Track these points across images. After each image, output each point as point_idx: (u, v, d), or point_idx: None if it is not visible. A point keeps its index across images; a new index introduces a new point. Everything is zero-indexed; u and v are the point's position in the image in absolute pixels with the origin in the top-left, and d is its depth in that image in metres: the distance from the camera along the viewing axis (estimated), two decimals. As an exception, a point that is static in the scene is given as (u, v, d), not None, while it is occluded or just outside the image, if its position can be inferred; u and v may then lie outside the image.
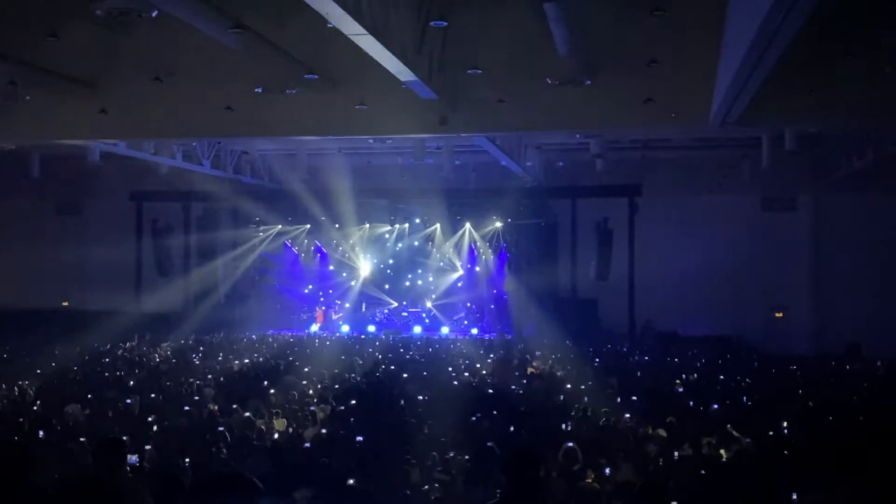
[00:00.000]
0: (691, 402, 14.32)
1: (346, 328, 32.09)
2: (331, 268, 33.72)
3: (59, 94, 18.72)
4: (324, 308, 33.15)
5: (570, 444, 9.74)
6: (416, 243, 32.66)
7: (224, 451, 10.45)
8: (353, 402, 13.86)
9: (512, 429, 11.68)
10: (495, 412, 12.63)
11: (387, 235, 32.67)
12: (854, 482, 8.53)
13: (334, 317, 32.99)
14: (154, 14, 12.87)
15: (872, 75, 15.35)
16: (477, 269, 32.47)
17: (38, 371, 18.23)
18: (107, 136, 21.30)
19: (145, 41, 17.57)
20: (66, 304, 31.68)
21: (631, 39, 16.46)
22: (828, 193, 29.79)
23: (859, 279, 29.19)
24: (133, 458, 7.71)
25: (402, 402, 13.84)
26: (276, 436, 11.59)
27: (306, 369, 18.68)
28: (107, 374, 18.26)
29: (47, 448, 9.98)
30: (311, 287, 33.50)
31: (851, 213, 29.52)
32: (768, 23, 10.19)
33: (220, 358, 21.96)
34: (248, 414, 12.78)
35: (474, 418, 12.10)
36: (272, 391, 15.03)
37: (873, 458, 9.59)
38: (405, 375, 17.85)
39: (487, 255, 32.14)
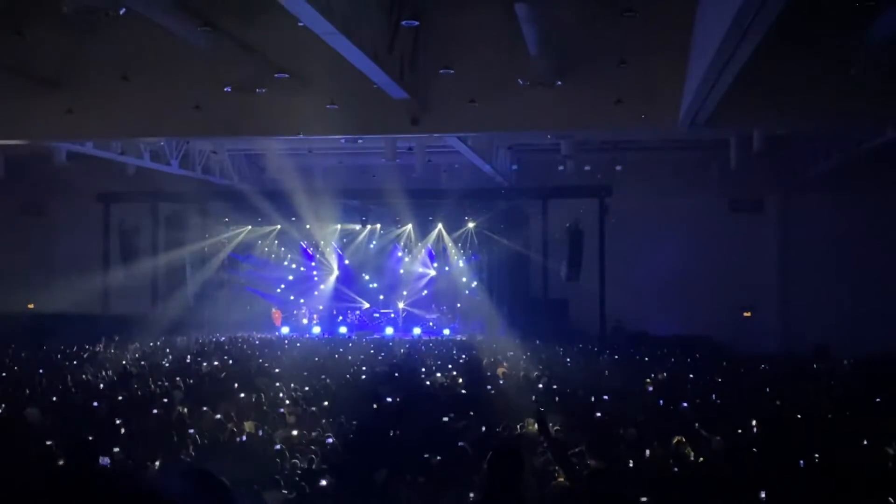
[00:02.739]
0: (661, 401, 14.41)
1: (317, 329, 31.95)
2: (301, 269, 33.56)
3: (25, 93, 18.42)
4: (279, 309, 32.92)
5: (542, 444, 9.74)
6: (388, 244, 32.60)
7: (193, 453, 10.34)
8: (325, 403, 13.79)
9: (484, 429, 11.67)
10: (468, 413, 12.62)
11: (358, 236, 32.58)
12: (821, 478, 8.63)
13: (304, 320, 32.82)
14: (122, 12, 12.73)
15: (838, 78, 15.55)
16: (447, 269, 32.47)
17: (3, 375, 17.94)
18: (73, 136, 21.03)
19: (113, 40, 17.33)
20: (31, 306, 31.19)
21: (601, 40, 16.53)
22: (795, 194, 30.18)
23: (826, 279, 29.59)
24: (105, 460, 7.61)
25: (374, 404, 13.79)
26: (245, 437, 11.48)
27: (277, 370, 18.57)
28: (73, 376, 18.00)
29: (12, 452, 9.80)
30: (284, 284, 33.31)
31: (818, 214, 29.92)
32: (737, 25, 10.29)
33: (188, 360, 21.76)
34: (217, 416, 12.67)
35: (446, 419, 12.09)
36: (242, 394, 14.90)
37: (839, 454, 9.72)
38: (364, 377, 17.83)
39: (459, 256, 32.15)
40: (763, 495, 8.00)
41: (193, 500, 2.55)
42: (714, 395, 15.41)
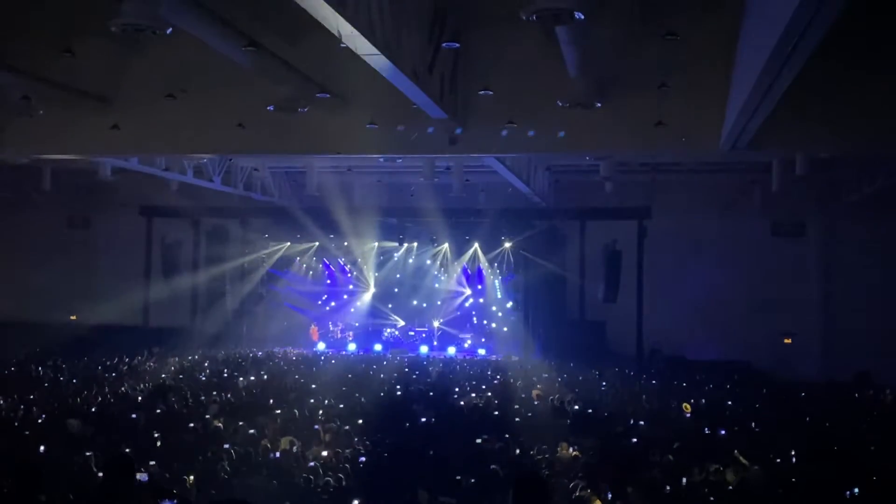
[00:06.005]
0: (703, 428, 14.21)
1: (352, 346, 32.06)
2: (339, 286, 33.72)
3: (73, 109, 18.81)
4: (316, 325, 33.07)
5: (575, 468, 9.67)
6: (427, 262, 32.62)
7: (228, 468, 10.41)
8: (360, 421, 13.81)
9: (517, 451, 11.61)
10: (503, 435, 12.56)
11: (395, 254, 32.67)
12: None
13: (338, 335, 32.95)
14: (168, 31, 12.95)
15: (883, 101, 15.33)
16: (483, 288, 32.41)
17: (46, 385, 18.24)
18: (119, 151, 21.37)
19: (159, 58, 17.66)
20: (74, 318, 31.72)
21: (642, 63, 16.46)
22: (837, 218, 29.72)
23: (869, 305, 29.02)
24: (143, 476, 7.68)
25: (408, 423, 13.78)
26: (278, 454, 11.54)
27: (313, 386, 18.66)
28: (113, 388, 18.24)
29: (53, 462, 9.96)
30: (322, 300, 33.48)
31: (861, 239, 29.41)
32: (780, 48, 10.19)
33: (226, 374, 21.95)
34: (252, 431, 12.75)
35: (480, 440, 12.05)
36: (278, 410, 14.99)
37: (882, 487, 9.50)
38: (398, 395, 17.81)
39: (495, 276, 32.07)
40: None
41: None
42: (753, 423, 15.16)
